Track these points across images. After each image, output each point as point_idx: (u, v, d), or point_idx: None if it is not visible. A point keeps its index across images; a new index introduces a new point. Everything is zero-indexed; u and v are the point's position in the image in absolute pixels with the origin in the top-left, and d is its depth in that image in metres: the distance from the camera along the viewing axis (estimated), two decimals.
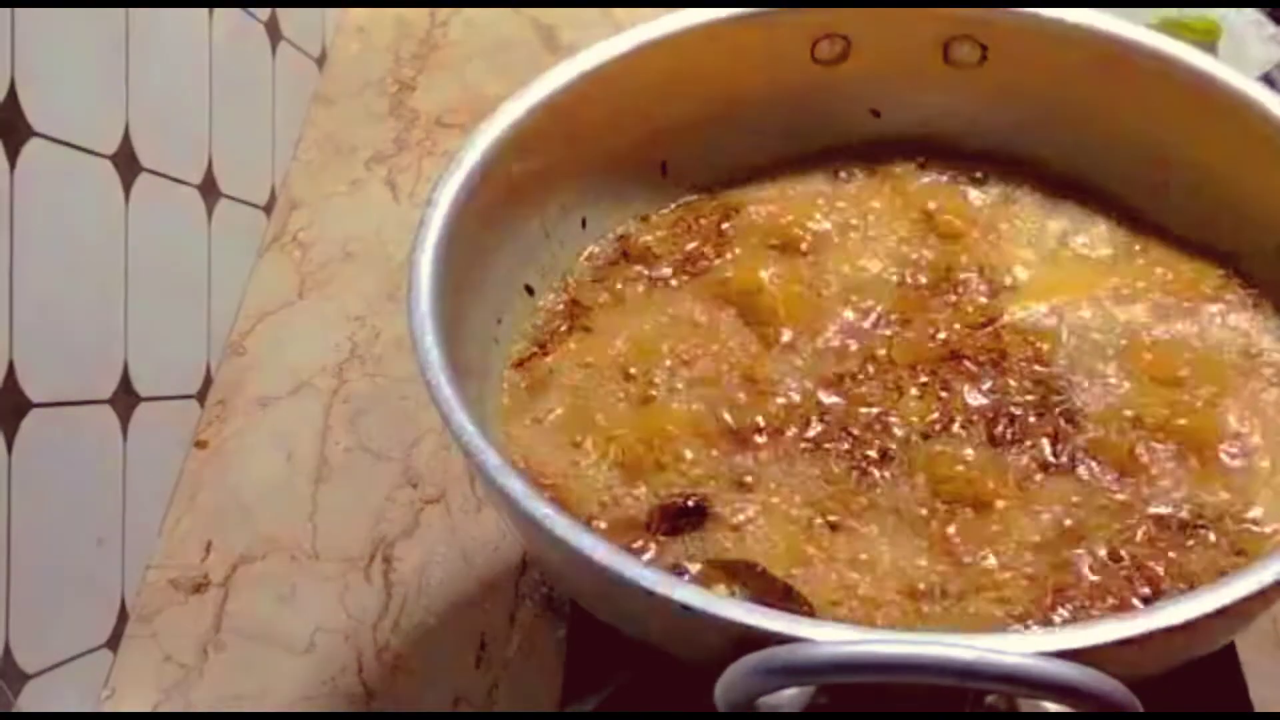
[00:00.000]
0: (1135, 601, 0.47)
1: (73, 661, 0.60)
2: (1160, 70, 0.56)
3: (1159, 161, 0.58)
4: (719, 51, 0.58)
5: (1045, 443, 0.51)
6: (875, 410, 0.52)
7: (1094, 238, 0.59)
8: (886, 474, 0.50)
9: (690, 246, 0.59)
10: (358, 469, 0.70)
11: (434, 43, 0.92)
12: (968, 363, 0.54)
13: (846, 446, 0.51)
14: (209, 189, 0.73)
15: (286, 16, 0.83)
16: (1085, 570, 0.47)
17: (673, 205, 0.61)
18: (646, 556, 0.48)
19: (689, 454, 0.51)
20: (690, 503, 0.50)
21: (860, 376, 0.54)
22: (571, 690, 0.59)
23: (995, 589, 0.47)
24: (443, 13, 0.94)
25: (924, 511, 0.49)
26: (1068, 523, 0.49)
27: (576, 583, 0.49)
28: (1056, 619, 0.46)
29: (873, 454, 0.51)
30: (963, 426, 0.52)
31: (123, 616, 0.64)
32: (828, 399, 0.53)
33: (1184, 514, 0.49)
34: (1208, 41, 0.78)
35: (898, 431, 0.52)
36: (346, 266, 0.79)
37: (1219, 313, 0.56)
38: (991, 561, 0.48)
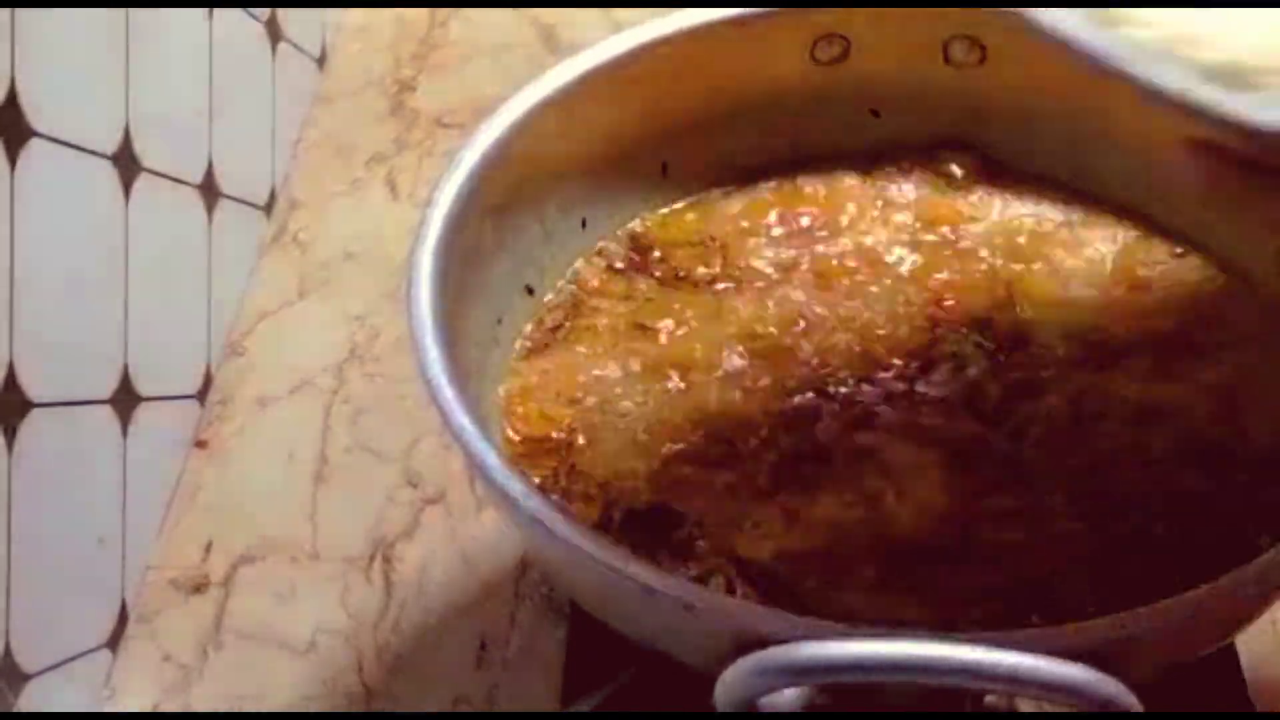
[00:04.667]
0: None
1: (72, 661, 0.60)
2: None
3: (1158, 162, 0.58)
4: (719, 51, 0.58)
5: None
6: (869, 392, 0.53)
7: (1093, 238, 0.59)
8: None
9: (694, 248, 0.59)
10: (358, 469, 0.70)
11: (434, 43, 0.92)
12: (959, 355, 0.54)
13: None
14: (209, 189, 0.73)
15: (286, 16, 0.83)
16: None
17: (674, 205, 0.61)
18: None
19: (687, 454, 0.52)
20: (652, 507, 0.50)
21: (859, 373, 0.54)
22: (571, 690, 0.59)
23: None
24: (442, 13, 0.94)
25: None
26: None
27: (576, 583, 0.49)
28: None
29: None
30: (945, 414, 0.52)
31: (123, 617, 0.64)
32: (833, 393, 0.53)
33: None
34: None
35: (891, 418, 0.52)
36: (346, 266, 0.79)
37: (1214, 315, 0.56)
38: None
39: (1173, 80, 0.39)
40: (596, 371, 0.55)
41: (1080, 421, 0.52)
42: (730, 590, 0.47)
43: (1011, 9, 0.54)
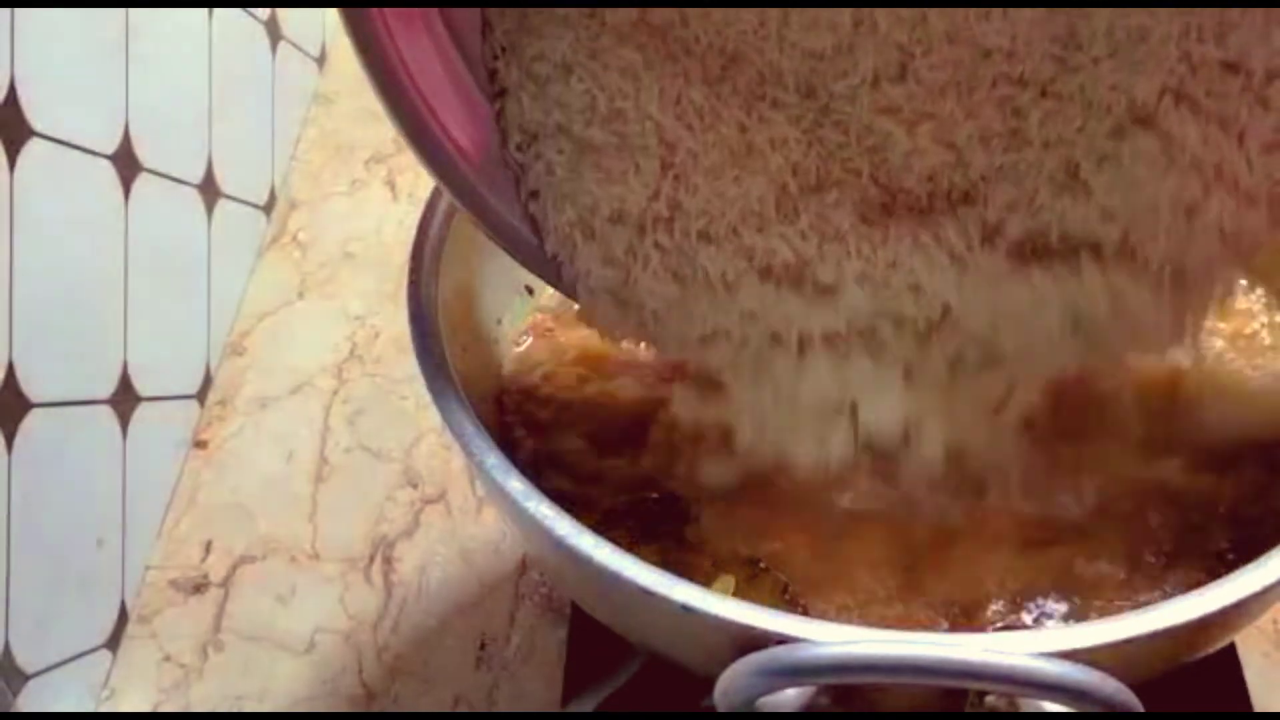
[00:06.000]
0: None
1: (72, 661, 0.60)
2: None
3: None
4: None
5: None
6: None
7: None
8: None
9: None
10: (358, 469, 0.70)
11: None
12: None
13: None
14: (209, 189, 0.73)
15: (286, 16, 0.83)
16: None
17: None
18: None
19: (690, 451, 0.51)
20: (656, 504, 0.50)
21: None
22: (571, 690, 0.59)
23: None
24: None
25: None
26: None
27: (576, 583, 0.49)
28: None
29: None
30: None
31: (122, 617, 0.64)
32: None
33: None
34: None
35: None
36: (346, 266, 0.79)
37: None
38: None
39: None
40: (597, 369, 0.55)
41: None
42: (737, 589, 0.47)
43: None
